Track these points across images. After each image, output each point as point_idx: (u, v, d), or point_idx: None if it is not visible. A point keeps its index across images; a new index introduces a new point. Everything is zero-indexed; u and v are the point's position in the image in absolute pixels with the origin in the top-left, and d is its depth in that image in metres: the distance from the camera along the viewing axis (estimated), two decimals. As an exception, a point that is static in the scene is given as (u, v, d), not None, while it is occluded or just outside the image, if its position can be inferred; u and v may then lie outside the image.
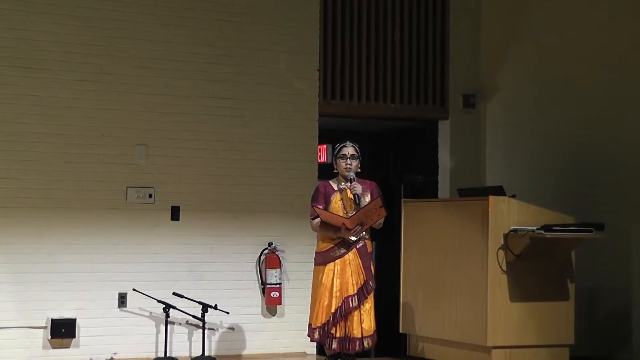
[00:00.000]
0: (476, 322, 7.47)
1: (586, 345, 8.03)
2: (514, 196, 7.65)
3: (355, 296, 6.91)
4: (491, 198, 7.44)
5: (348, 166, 7.04)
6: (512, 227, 7.40)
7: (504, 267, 7.43)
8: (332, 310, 6.89)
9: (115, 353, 8.16)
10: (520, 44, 9.54)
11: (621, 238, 8.08)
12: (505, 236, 7.41)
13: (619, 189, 8.27)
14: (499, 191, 7.69)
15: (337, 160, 7.09)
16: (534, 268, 7.51)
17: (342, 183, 7.08)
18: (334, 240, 6.97)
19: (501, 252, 7.43)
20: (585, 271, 7.95)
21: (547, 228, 7.29)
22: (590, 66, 8.69)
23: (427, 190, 10.21)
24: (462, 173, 9.79)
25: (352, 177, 7.02)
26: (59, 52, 8.10)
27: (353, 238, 6.95)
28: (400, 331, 8.33)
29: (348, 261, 6.95)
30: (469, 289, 7.56)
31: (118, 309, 8.21)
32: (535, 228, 7.32)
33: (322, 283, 6.94)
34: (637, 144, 8.17)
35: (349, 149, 7.08)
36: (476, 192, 8.05)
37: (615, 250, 8.15)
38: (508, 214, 7.45)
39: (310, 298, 7.11)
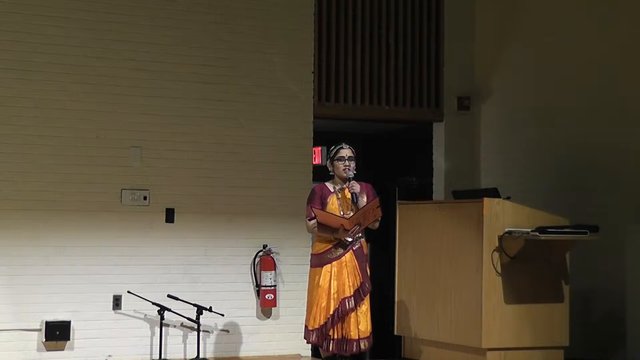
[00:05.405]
0: (471, 323, 7.47)
1: (581, 347, 8.03)
2: (508, 198, 7.66)
3: (352, 298, 6.90)
4: (486, 200, 7.45)
5: (347, 167, 7.02)
6: (506, 229, 7.40)
7: (499, 269, 7.44)
8: (331, 312, 6.87)
9: (109, 355, 8.14)
10: (514, 46, 9.55)
11: (615, 240, 8.08)
12: (500, 238, 7.41)
13: (613, 191, 8.27)
14: (493, 193, 7.70)
15: (335, 163, 7.07)
16: (529, 270, 7.52)
17: (339, 184, 7.07)
18: (331, 242, 6.95)
19: (496, 254, 7.44)
20: (579, 273, 7.96)
21: (542, 230, 7.29)
22: (585, 68, 8.70)
23: (421, 192, 10.22)
24: (456, 175, 9.79)
25: (350, 176, 7.01)
26: (53, 54, 8.08)
27: (350, 239, 6.95)
28: (395, 333, 8.33)
29: (345, 263, 6.94)
30: (464, 291, 7.56)
31: (113, 312, 8.20)
32: (529, 230, 7.32)
33: (319, 285, 6.92)
34: (632, 146, 8.18)
35: (347, 151, 7.07)
36: (471, 194, 8.05)
37: (609, 252, 8.16)
38: (503, 216, 7.46)
39: (305, 300, 7.11)
